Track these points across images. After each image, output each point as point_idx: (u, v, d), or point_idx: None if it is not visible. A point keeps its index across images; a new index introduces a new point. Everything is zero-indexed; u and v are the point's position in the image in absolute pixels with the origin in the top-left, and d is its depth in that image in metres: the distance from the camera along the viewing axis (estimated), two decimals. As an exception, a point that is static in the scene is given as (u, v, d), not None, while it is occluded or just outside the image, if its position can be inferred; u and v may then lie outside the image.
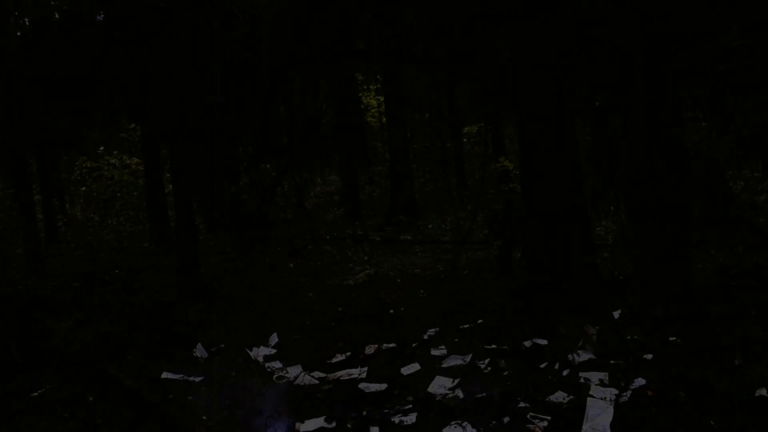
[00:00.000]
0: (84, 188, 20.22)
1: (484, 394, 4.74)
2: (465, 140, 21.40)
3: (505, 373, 5.22)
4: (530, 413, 4.30)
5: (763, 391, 4.14)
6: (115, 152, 21.82)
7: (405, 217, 14.61)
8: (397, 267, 10.77)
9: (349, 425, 4.45)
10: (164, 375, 5.80)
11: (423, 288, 9.10)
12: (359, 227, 15.05)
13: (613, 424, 3.97)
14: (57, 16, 25.70)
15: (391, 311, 7.92)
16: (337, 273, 10.79)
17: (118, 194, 19.18)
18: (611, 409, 4.14)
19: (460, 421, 4.28)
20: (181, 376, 5.78)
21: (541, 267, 6.94)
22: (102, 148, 22.07)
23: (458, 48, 5.81)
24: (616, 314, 6.15)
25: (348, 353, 6.27)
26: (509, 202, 9.12)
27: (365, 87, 28.25)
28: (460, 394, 4.85)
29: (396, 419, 4.46)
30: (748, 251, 7.56)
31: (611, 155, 8.56)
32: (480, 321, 6.83)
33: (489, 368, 5.39)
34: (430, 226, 14.47)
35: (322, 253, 12.49)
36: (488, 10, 5.57)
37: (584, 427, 3.98)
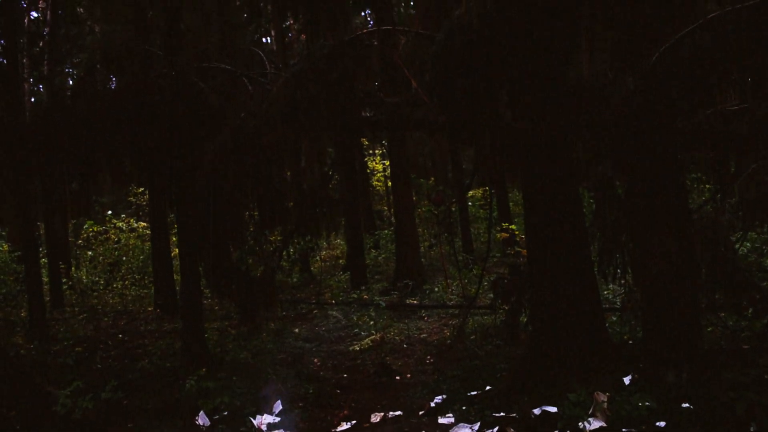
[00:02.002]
0: (90, 252, 20.33)
1: (493, 465, 4.62)
2: (470, 204, 21.56)
3: (515, 442, 5.09)
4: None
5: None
6: (122, 216, 22.05)
7: (411, 281, 14.56)
8: (403, 332, 10.66)
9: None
10: (165, 444, 5.69)
11: (430, 353, 8.98)
12: (365, 291, 14.99)
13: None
14: (71, 82, 26.35)
15: (398, 377, 7.79)
16: (342, 338, 10.69)
17: (124, 258, 19.25)
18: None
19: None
20: (183, 444, 5.66)
21: (549, 332, 6.85)
22: (110, 212, 22.34)
23: (462, 115, 5.92)
24: (627, 380, 6.03)
25: (353, 421, 6.15)
26: (515, 267, 9.10)
27: (371, 152, 28.67)
28: (469, 465, 4.72)
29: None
30: (758, 314, 7.47)
31: (616, 219, 8.58)
32: (488, 388, 6.71)
33: (498, 437, 5.26)
34: (437, 290, 14.40)
35: (328, 318, 12.40)
36: (489, 80, 5.71)
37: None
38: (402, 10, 28.94)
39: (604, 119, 6.69)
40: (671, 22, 6.22)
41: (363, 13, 29.73)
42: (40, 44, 22.19)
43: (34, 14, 25.31)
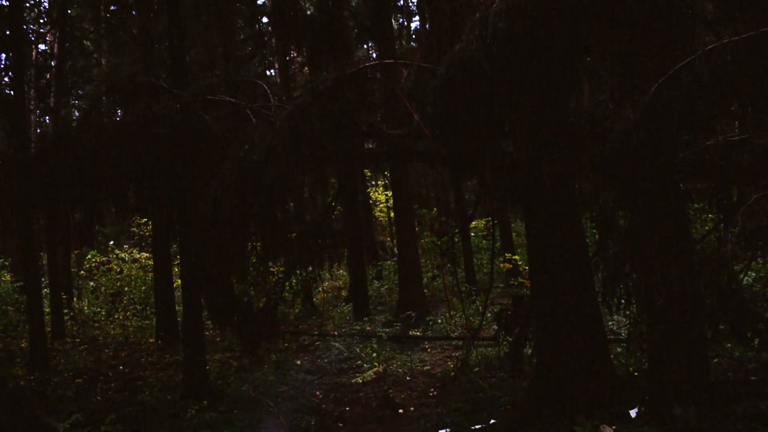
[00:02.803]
0: (92, 282, 20.32)
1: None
2: (473, 234, 21.56)
3: (520, 477, 5.01)
4: None
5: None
6: (125, 246, 22.08)
7: (414, 312, 14.47)
8: (406, 364, 10.57)
9: None
10: (165, 479, 5.61)
11: (433, 386, 8.89)
12: (368, 323, 14.91)
13: None
14: (76, 114, 26.62)
15: (401, 411, 7.70)
16: (345, 370, 10.59)
17: (126, 288, 19.22)
18: None
19: None
20: (183, 480, 5.58)
21: (553, 364, 6.79)
22: (112, 242, 22.38)
23: (463, 147, 5.96)
24: (633, 413, 5.95)
25: (356, 455, 6.06)
26: (518, 298, 9.04)
27: (374, 183, 28.79)
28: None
29: None
30: (764, 344, 7.41)
31: (619, 249, 8.56)
32: (492, 421, 6.63)
33: (502, 472, 5.17)
34: (440, 321, 14.32)
35: (330, 350, 12.32)
36: (490, 113, 5.76)
37: None
38: (404, 42, 29.33)
39: (605, 151, 6.72)
40: (670, 53, 6.29)
41: (365, 46, 30.14)
42: (47, 76, 22.49)
43: (42, 47, 25.72)
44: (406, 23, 30.82)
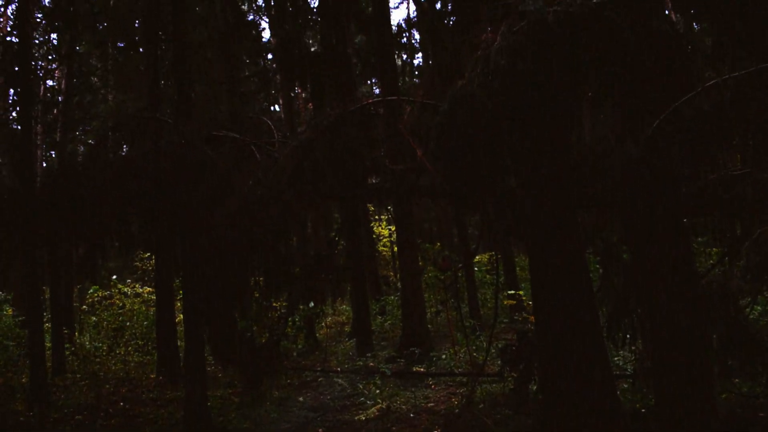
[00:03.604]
0: (94, 317, 20.24)
1: None
2: (477, 269, 21.48)
3: None
4: None
5: None
6: (128, 281, 22.06)
7: (418, 348, 14.34)
8: (410, 401, 10.43)
9: None
10: None
11: (437, 423, 8.76)
12: (371, 359, 14.76)
13: None
14: (81, 149, 26.87)
15: (404, 449, 7.58)
16: (348, 407, 10.46)
17: (128, 323, 19.13)
18: None
19: None
20: None
21: (559, 400, 6.70)
22: (115, 277, 22.37)
23: (466, 183, 5.99)
24: (641, 452, 5.86)
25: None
26: (523, 333, 8.96)
27: (377, 217, 28.83)
28: None
29: None
30: (772, 380, 7.31)
31: (624, 284, 8.53)
32: (497, 460, 6.52)
33: None
34: (444, 357, 14.17)
35: (333, 386, 12.18)
36: (493, 149, 5.80)
37: None
38: (407, 78, 29.70)
39: (608, 185, 6.74)
40: (671, 89, 6.35)
41: (369, 81, 30.51)
42: (54, 112, 22.78)
43: (50, 82, 26.11)
44: (409, 60, 31.27)
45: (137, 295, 20.25)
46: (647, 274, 6.27)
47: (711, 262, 12.27)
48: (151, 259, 20.52)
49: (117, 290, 20.21)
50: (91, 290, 20.71)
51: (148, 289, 20.48)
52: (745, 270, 8.27)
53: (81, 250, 9.69)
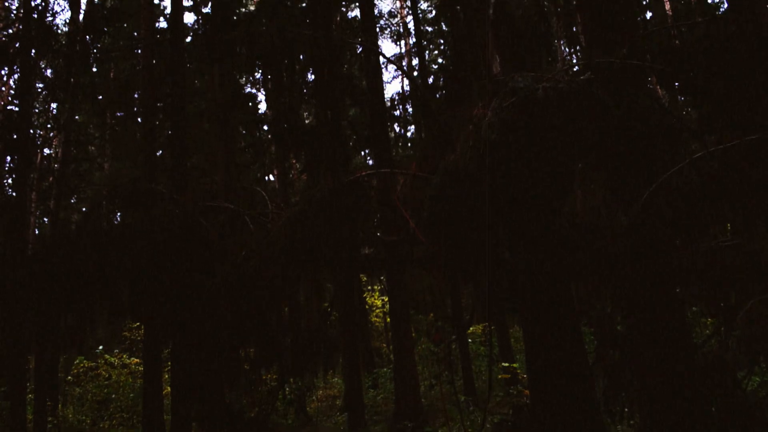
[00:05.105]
0: (79, 389, 19.72)
1: None
2: (470, 341, 21.23)
3: None
4: None
5: None
6: (116, 351, 21.63)
7: (411, 423, 13.97)
8: (402, 478, 10.08)
9: None
10: None
11: (430, 503, 8.44)
12: (363, 434, 14.36)
13: None
14: (75, 216, 26.85)
15: None
16: (338, 485, 10.09)
17: (114, 395, 18.64)
18: None
19: None
20: None
21: (556, 480, 6.49)
22: (101, 347, 21.93)
23: (459, 254, 6.01)
24: None
25: None
26: (518, 408, 8.77)
27: (370, 287, 28.69)
28: None
29: None
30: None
31: (620, 356, 8.43)
32: None
33: None
34: (437, 432, 13.81)
35: (323, 463, 11.79)
36: (485, 221, 5.85)
37: None
38: (401, 149, 30.22)
39: (600, 256, 6.76)
40: (659, 161, 6.49)
41: (363, 153, 31.02)
42: (50, 179, 22.92)
43: (47, 150, 26.38)
44: (402, 131, 31.89)
45: (124, 365, 19.83)
46: (642, 347, 6.21)
47: (707, 332, 12.18)
48: (140, 329, 20.21)
49: (103, 361, 19.79)
50: (77, 360, 20.27)
51: (136, 360, 20.07)
52: (740, 341, 8.22)
53: (69, 319, 9.56)
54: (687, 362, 5.97)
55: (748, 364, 8.45)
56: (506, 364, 15.98)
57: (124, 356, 20.62)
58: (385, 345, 27.63)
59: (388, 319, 22.14)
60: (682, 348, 6.01)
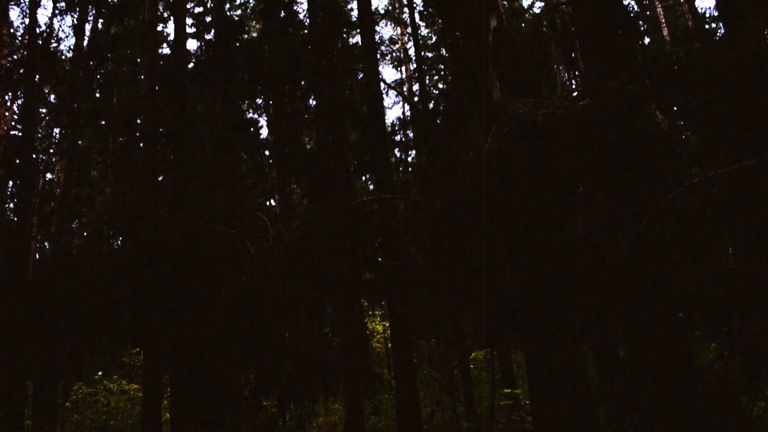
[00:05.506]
0: (77, 415, 19.52)
1: None
2: (472, 366, 21.05)
3: None
4: None
5: None
6: (114, 377, 21.47)
7: (412, 449, 13.80)
8: (403, 507, 9.93)
9: None
10: None
11: None
12: (363, 461, 14.18)
13: None
14: (75, 241, 26.86)
15: None
16: None
17: (112, 422, 18.45)
18: None
19: None
20: None
21: None
22: (100, 373, 21.77)
23: (460, 279, 6.00)
24: None
25: None
26: (521, 434, 8.69)
27: (371, 312, 28.56)
28: None
29: None
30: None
31: (623, 382, 8.37)
32: None
33: None
34: (439, 459, 13.63)
35: (324, 491, 11.63)
36: (486, 246, 5.85)
37: None
38: (401, 175, 30.30)
39: (601, 281, 6.74)
40: (659, 185, 6.50)
41: (364, 177, 31.10)
42: (52, 204, 22.95)
43: (49, 175, 26.46)
44: (403, 156, 32.01)
45: (123, 391, 19.66)
46: (645, 371, 6.16)
47: (711, 356, 12.08)
48: (140, 355, 20.08)
49: (102, 386, 19.63)
50: (76, 386, 20.11)
51: (135, 386, 19.91)
52: (744, 366, 8.16)
53: (69, 345, 9.51)
54: (691, 387, 5.92)
55: (752, 390, 8.38)
56: (509, 390, 15.87)
57: (124, 382, 20.46)
58: (386, 371, 27.40)
59: (389, 345, 22.00)
60: (686, 373, 5.97)
